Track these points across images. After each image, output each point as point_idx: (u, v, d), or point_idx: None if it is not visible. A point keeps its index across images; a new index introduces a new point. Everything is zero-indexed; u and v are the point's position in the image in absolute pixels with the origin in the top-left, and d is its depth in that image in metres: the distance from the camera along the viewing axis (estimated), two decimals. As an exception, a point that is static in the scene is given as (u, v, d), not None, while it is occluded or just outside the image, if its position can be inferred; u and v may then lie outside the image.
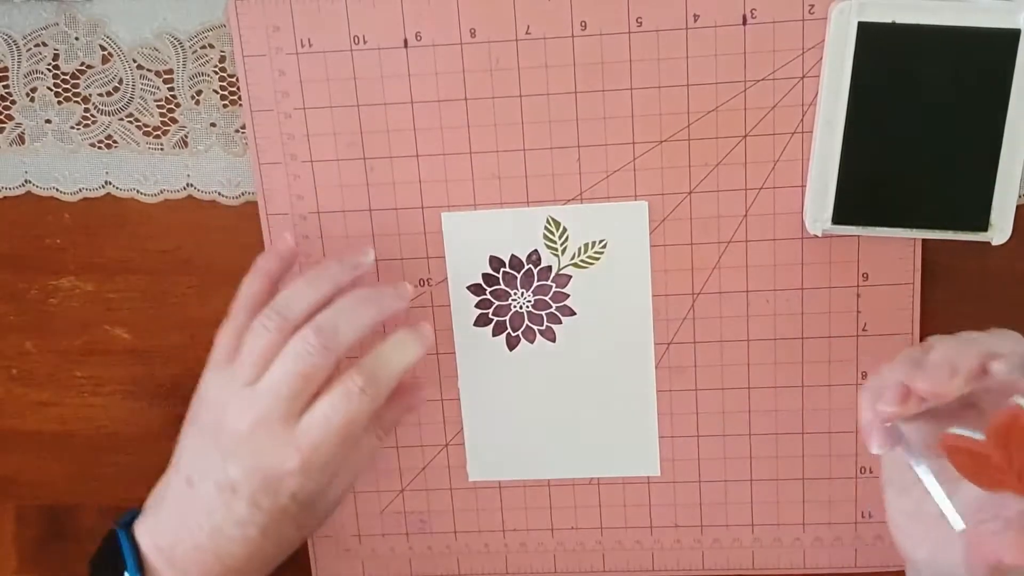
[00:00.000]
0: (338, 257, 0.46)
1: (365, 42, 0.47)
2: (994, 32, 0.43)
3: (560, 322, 0.50)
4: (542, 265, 0.49)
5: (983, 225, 0.45)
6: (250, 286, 0.46)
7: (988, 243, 0.45)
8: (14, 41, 0.49)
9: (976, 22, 0.43)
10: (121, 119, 0.50)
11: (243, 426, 0.43)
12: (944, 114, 0.44)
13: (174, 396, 0.54)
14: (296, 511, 0.44)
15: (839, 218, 0.46)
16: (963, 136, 0.44)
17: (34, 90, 0.50)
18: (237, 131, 0.50)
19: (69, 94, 0.50)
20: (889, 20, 0.44)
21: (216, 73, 0.49)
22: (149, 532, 0.45)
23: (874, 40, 0.44)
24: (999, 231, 0.45)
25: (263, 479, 0.43)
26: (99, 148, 0.50)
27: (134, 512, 0.47)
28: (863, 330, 0.49)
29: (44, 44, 0.49)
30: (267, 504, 0.43)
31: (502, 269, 0.50)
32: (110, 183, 0.51)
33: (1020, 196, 0.45)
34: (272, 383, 0.43)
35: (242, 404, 0.43)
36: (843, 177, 0.46)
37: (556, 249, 0.49)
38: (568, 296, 0.50)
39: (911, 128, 0.45)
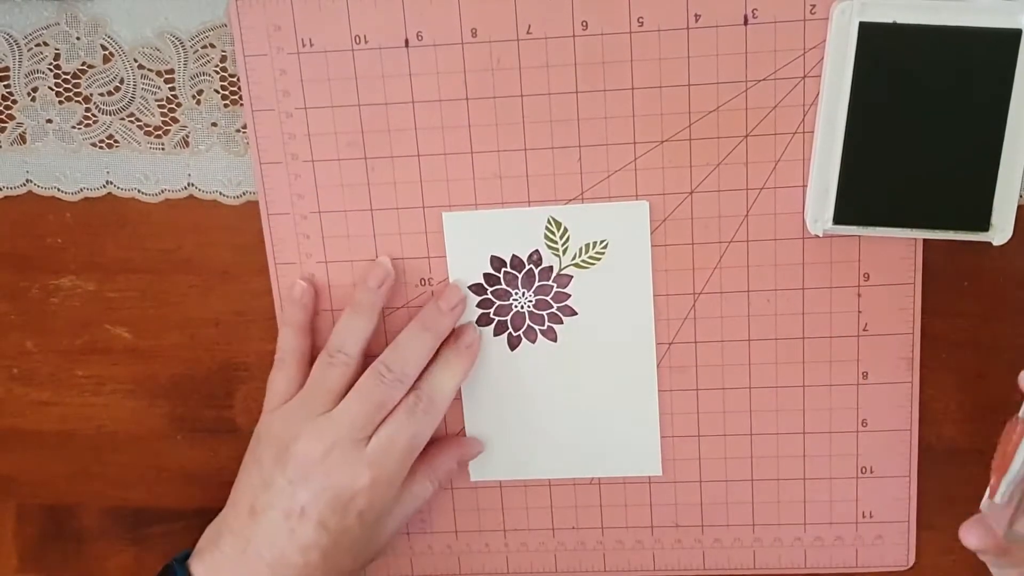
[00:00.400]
0: (362, 282, 0.49)
1: (366, 42, 0.48)
2: (995, 32, 0.43)
3: (561, 322, 0.50)
4: (543, 265, 0.49)
5: (984, 225, 0.45)
6: (286, 339, 0.50)
7: (989, 243, 0.45)
8: (15, 40, 0.49)
9: (977, 22, 0.43)
10: (122, 119, 0.50)
11: (318, 450, 0.46)
12: (945, 114, 0.44)
13: (174, 395, 0.54)
14: (358, 533, 0.47)
15: (840, 218, 0.46)
16: (964, 136, 0.44)
17: (35, 90, 0.50)
18: (238, 131, 0.50)
19: (70, 94, 0.50)
20: (890, 20, 0.44)
21: (217, 73, 0.49)
22: (206, 569, 0.47)
23: (875, 40, 0.44)
24: (1000, 231, 0.45)
25: (334, 498, 0.46)
26: (100, 148, 0.51)
27: (187, 552, 0.48)
28: (864, 330, 0.49)
29: (45, 44, 0.49)
30: (334, 524, 0.46)
31: (503, 269, 0.50)
32: (111, 183, 0.51)
33: (1021, 196, 0.45)
34: (348, 411, 0.47)
35: (316, 431, 0.46)
36: (844, 177, 0.46)
37: (557, 249, 0.49)
38: (569, 296, 0.50)
39: (912, 128, 0.45)
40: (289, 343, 0.50)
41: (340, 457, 0.46)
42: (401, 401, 0.47)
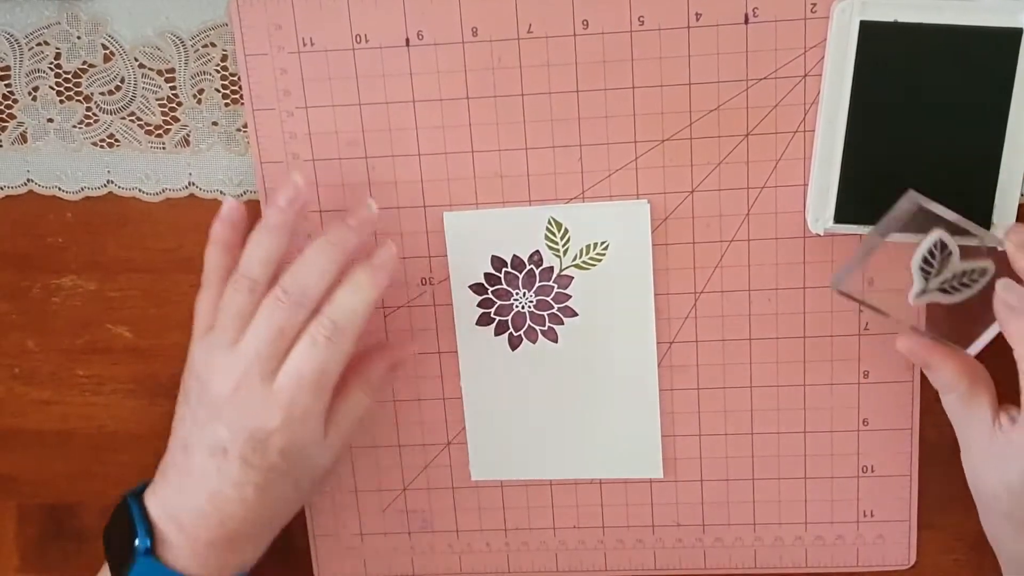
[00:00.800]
0: (272, 201, 0.46)
1: (367, 41, 0.48)
2: (997, 32, 0.43)
3: (562, 323, 0.50)
4: (544, 266, 0.50)
5: (985, 225, 0.45)
6: (211, 257, 0.48)
7: (992, 242, 0.46)
8: (16, 40, 0.50)
9: (979, 21, 0.43)
10: (123, 118, 0.50)
11: (227, 388, 0.45)
12: (946, 114, 0.45)
13: (175, 395, 0.54)
14: (287, 468, 0.45)
15: (841, 217, 0.46)
16: (965, 135, 0.45)
17: (36, 89, 0.50)
18: (239, 130, 0.50)
19: (71, 93, 0.50)
20: (891, 19, 0.44)
21: (218, 72, 0.49)
22: (158, 500, 0.47)
23: (876, 39, 0.44)
24: (1000, 231, 0.45)
25: (250, 437, 0.44)
26: (101, 147, 0.51)
27: (145, 483, 0.48)
28: (865, 329, 0.49)
29: (46, 43, 0.49)
30: (257, 462, 0.45)
31: (504, 269, 0.50)
32: (112, 182, 0.51)
33: (1022, 196, 0.45)
34: (250, 343, 0.44)
35: (225, 366, 0.45)
36: (845, 176, 0.46)
37: (558, 250, 0.49)
38: (570, 297, 0.50)
39: (913, 128, 0.45)
40: (213, 261, 0.47)
41: (248, 395, 0.44)
42: (306, 331, 0.45)
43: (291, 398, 0.44)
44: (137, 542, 0.45)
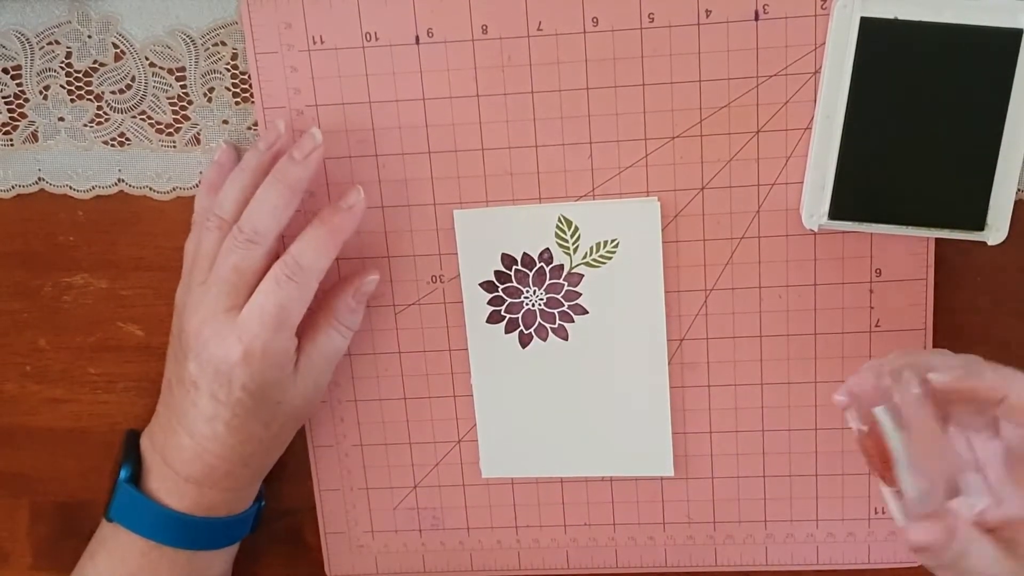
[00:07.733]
0: (254, 145, 0.50)
1: (377, 39, 0.49)
2: (996, 31, 0.45)
3: (572, 320, 0.52)
4: (554, 264, 0.51)
5: (980, 224, 0.47)
6: (199, 199, 0.52)
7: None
8: (27, 39, 0.51)
9: (978, 21, 0.45)
10: (134, 117, 0.52)
11: (195, 322, 0.47)
12: (944, 112, 0.46)
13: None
14: (253, 405, 0.48)
15: (836, 214, 0.48)
16: (962, 135, 0.46)
17: (47, 88, 0.52)
18: (250, 128, 0.52)
19: (82, 92, 0.52)
20: (891, 16, 0.46)
21: (228, 70, 0.51)
22: (149, 435, 0.52)
23: (876, 35, 0.46)
24: (995, 231, 0.47)
25: (215, 372, 0.47)
26: (112, 146, 0.53)
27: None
28: (876, 326, 0.51)
29: (57, 42, 0.51)
30: (223, 397, 0.47)
31: (514, 267, 0.51)
32: (123, 180, 0.53)
33: (1019, 191, 0.47)
34: (214, 279, 0.47)
35: (194, 303, 0.48)
36: (841, 173, 0.47)
37: (568, 248, 0.51)
38: (580, 295, 0.52)
39: (910, 125, 0.47)
40: (201, 203, 0.52)
41: (212, 329, 0.47)
42: (271, 269, 0.47)
43: (252, 333, 0.46)
44: (122, 472, 0.50)
